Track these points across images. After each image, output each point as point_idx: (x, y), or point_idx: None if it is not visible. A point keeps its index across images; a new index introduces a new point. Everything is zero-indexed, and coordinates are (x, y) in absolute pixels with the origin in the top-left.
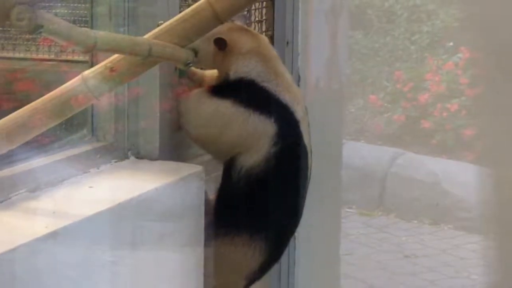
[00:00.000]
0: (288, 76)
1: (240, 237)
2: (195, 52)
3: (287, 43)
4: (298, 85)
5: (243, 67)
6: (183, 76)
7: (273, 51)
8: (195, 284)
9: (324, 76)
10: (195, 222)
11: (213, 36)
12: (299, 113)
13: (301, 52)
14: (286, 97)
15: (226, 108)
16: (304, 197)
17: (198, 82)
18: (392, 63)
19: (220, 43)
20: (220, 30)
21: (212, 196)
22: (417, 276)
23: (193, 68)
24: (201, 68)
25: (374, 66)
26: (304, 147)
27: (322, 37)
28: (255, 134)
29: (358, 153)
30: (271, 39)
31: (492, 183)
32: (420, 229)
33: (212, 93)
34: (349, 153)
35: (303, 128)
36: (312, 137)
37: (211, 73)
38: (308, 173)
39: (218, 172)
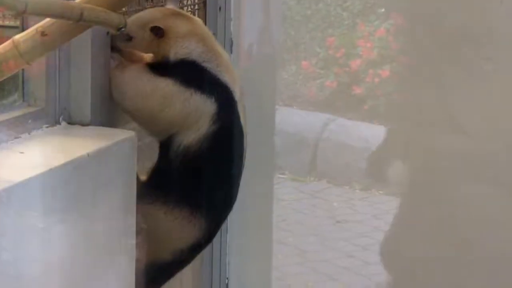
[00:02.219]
0: (226, 56)
1: (173, 213)
2: (130, 38)
3: (220, 8)
4: (231, 51)
5: (183, 49)
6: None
7: (209, 32)
8: (128, 251)
9: (257, 42)
10: (128, 188)
11: (148, 23)
12: (237, 94)
13: (234, 17)
14: (226, 77)
15: (167, 85)
16: (238, 179)
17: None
18: (325, 30)
19: (157, 31)
20: (154, 17)
21: (142, 176)
22: (349, 241)
23: (130, 50)
24: None
25: (307, 33)
26: (240, 128)
27: (255, 2)
28: (196, 113)
29: (291, 119)
30: (204, 4)
31: (415, 149)
32: (351, 195)
33: (151, 70)
34: (281, 119)
35: (240, 109)
36: (245, 103)
37: (148, 55)
38: (243, 155)
39: (151, 138)
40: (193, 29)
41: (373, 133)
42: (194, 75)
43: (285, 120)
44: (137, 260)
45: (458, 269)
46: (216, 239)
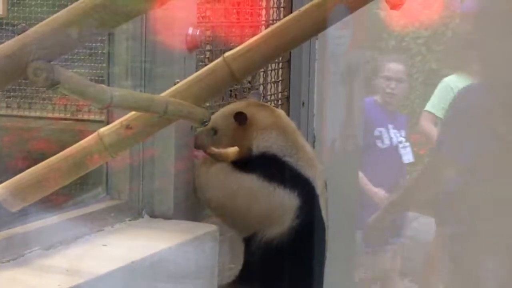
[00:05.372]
0: (308, 149)
1: None
2: (215, 131)
3: (303, 103)
4: (313, 146)
5: (264, 142)
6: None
7: (292, 125)
8: None
9: (340, 138)
10: (209, 283)
11: (232, 112)
12: (318, 188)
13: (317, 113)
14: (307, 172)
15: (251, 182)
16: (322, 272)
17: (220, 159)
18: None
19: (241, 118)
20: (238, 107)
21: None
22: None
23: (214, 149)
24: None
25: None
26: (322, 222)
27: (338, 98)
28: (281, 208)
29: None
30: (287, 99)
31: None
32: None
33: (235, 167)
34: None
35: (321, 202)
36: (328, 198)
37: (232, 151)
38: (325, 248)
39: (232, 233)
40: (275, 121)
41: None
42: (275, 169)
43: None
44: None
45: None
46: None
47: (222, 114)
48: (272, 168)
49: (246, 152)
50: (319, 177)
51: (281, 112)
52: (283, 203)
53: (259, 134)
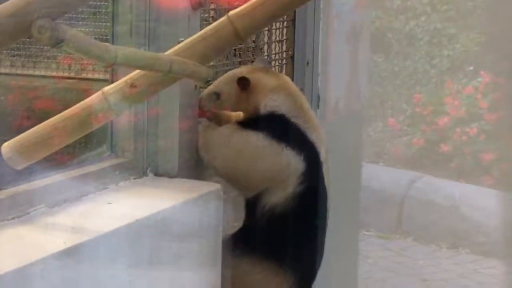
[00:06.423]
0: (313, 114)
1: (260, 265)
2: (218, 95)
3: (307, 63)
4: (318, 106)
5: (272, 101)
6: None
7: (297, 89)
8: None
9: (344, 98)
10: (213, 241)
11: (235, 77)
12: (323, 155)
13: (321, 72)
14: (313, 136)
15: (259, 140)
16: (323, 240)
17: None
18: (412, 87)
19: (243, 83)
20: (242, 71)
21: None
22: None
23: (219, 112)
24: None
25: (394, 89)
26: (325, 189)
27: (342, 58)
28: (286, 170)
29: (377, 175)
30: (291, 59)
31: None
32: (437, 253)
33: (241, 126)
34: (367, 175)
35: (324, 170)
36: (331, 158)
37: (236, 115)
38: (327, 217)
39: (236, 192)
40: (281, 84)
41: (459, 191)
42: (284, 129)
43: (371, 176)
44: None
45: None
46: None
47: (224, 79)
48: (281, 128)
49: (253, 113)
50: (323, 143)
51: (286, 76)
52: (288, 165)
53: (267, 95)
